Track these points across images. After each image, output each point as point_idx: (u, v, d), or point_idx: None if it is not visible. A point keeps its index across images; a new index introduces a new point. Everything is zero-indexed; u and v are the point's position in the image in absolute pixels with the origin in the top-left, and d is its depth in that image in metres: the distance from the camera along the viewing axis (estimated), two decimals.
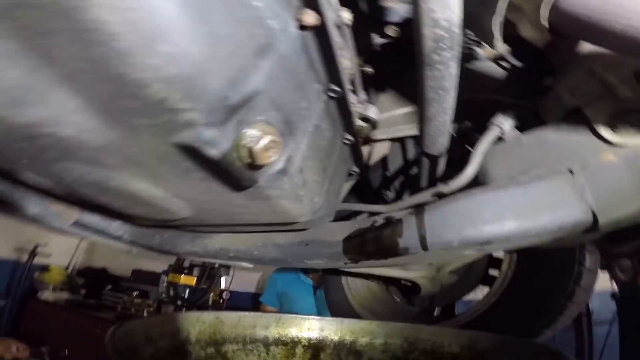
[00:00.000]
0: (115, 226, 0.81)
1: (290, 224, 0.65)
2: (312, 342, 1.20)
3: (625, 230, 1.10)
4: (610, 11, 0.43)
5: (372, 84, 1.00)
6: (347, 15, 0.51)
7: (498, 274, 1.30)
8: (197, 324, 1.09)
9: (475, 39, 0.84)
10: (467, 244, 0.58)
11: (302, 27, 0.46)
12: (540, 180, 0.58)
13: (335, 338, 1.20)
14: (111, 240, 0.81)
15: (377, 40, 0.77)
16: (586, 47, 0.61)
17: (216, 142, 0.38)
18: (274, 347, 1.17)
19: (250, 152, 0.40)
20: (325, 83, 0.57)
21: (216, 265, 1.79)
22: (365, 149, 1.15)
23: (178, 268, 1.67)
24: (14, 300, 3.43)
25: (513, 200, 0.56)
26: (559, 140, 0.61)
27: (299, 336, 1.20)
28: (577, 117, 0.60)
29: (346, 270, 1.42)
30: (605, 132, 0.55)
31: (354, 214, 1.04)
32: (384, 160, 1.24)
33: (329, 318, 1.33)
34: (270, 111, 0.43)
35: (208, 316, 1.12)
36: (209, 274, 1.71)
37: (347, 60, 0.66)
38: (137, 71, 0.32)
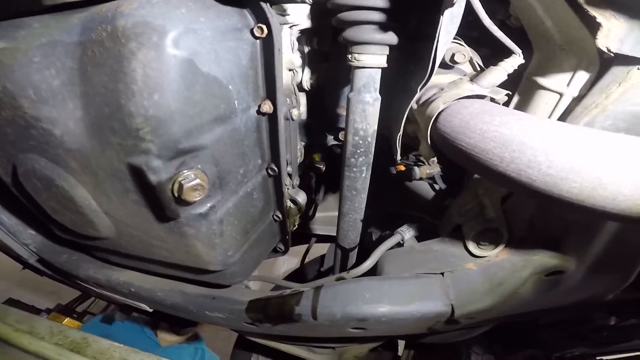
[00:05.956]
0: (27, 234, 0.79)
1: (202, 271, 0.68)
2: None
3: (513, 341, 1.23)
4: (462, 131, 0.46)
5: (325, 184, 1.16)
6: (296, 112, 0.67)
7: None
8: None
9: (418, 159, 1.02)
10: (349, 318, 0.66)
11: (260, 113, 0.61)
12: (417, 277, 0.71)
13: None
14: (17, 244, 0.78)
15: (332, 142, 0.92)
16: None
17: (158, 171, 0.48)
18: None
19: (180, 187, 0.49)
20: (268, 161, 0.69)
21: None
22: (303, 247, 1.29)
23: (66, 310, 1.42)
24: None
25: (391, 289, 0.68)
26: (440, 250, 0.78)
27: None
28: (457, 233, 0.77)
29: (259, 342, 1.37)
30: (471, 246, 0.73)
31: None
32: (322, 258, 1.42)
33: None
34: (209, 164, 0.53)
35: None
36: None
37: (296, 149, 0.79)
38: (133, 105, 0.44)
